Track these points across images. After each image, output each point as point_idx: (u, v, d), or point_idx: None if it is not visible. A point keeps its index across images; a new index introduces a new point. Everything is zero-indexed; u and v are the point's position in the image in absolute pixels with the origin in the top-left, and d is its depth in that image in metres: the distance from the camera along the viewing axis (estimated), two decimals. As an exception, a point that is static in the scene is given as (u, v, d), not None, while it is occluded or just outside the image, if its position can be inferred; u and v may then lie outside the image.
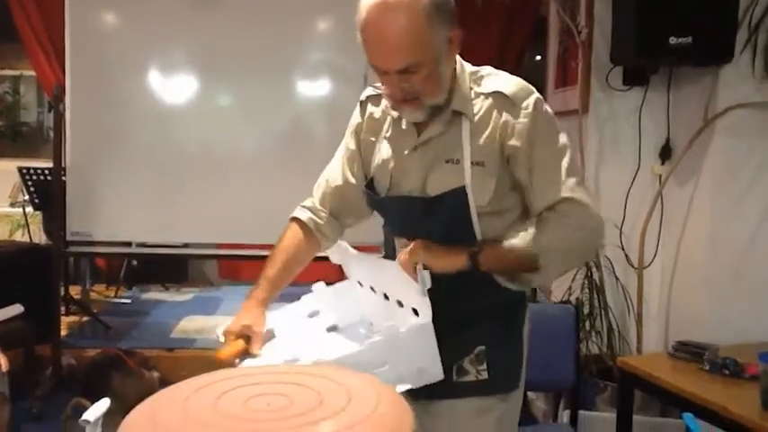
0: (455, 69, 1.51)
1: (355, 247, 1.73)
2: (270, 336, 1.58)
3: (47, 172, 4.65)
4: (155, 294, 6.02)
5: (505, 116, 1.46)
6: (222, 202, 3.93)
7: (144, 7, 3.97)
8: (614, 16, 3.06)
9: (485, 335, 1.54)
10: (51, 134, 6.25)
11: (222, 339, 1.52)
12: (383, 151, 1.61)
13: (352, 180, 1.69)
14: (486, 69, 1.56)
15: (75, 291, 5.27)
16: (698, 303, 2.98)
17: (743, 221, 2.86)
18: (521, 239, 1.44)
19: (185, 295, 5.99)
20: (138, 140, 3.98)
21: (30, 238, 5.57)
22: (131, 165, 3.96)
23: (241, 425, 0.80)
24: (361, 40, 1.42)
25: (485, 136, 1.47)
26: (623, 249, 3.23)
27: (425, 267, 1.42)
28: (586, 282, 3.19)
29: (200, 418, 0.81)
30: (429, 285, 1.41)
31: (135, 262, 6.00)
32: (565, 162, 1.46)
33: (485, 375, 1.53)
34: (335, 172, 1.71)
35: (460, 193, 1.48)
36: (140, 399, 0.89)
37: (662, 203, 3.17)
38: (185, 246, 4.52)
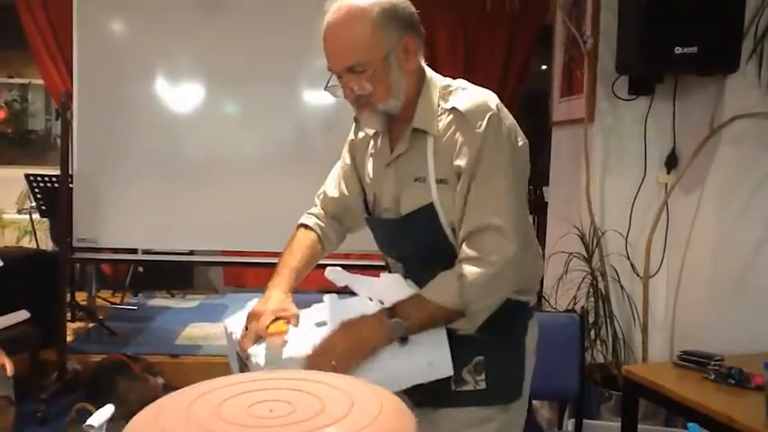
0: (420, 84, 1.52)
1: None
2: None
3: (54, 179, 4.68)
4: (160, 301, 6.04)
5: (459, 134, 1.46)
6: (227, 209, 3.94)
7: (151, 16, 3.99)
8: (620, 25, 3.06)
9: (483, 345, 1.53)
10: (59, 141, 6.30)
11: (231, 326, 1.54)
12: (368, 168, 1.66)
13: (347, 193, 1.74)
14: (458, 83, 1.55)
15: (81, 297, 5.28)
16: (703, 312, 2.97)
17: (748, 230, 2.86)
18: (443, 293, 1.44)
19: (191, 302, 6.01)
20: (144, 148, 4.00)
21: (37, 244, 5.59)
22: (138, 172, 3.98)
23: (243, 431, 0.80)
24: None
25: (445, 153, 1.48)
26: (629, 258, 3.23)
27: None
28: (591, 290, 3.18)
29: (203, 423, 0.81)
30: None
31: (141, 268, 6.02)
32: (501, 186, 1.44)
33: (483, 385, 1.53)
34: (333, 184, 1.77)
35: (429, 211, 1.49)
36: (145, 404, 0.89)
37: (667, 212, 3.17)
38: (191, 253, 4.54)
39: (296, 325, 1.50)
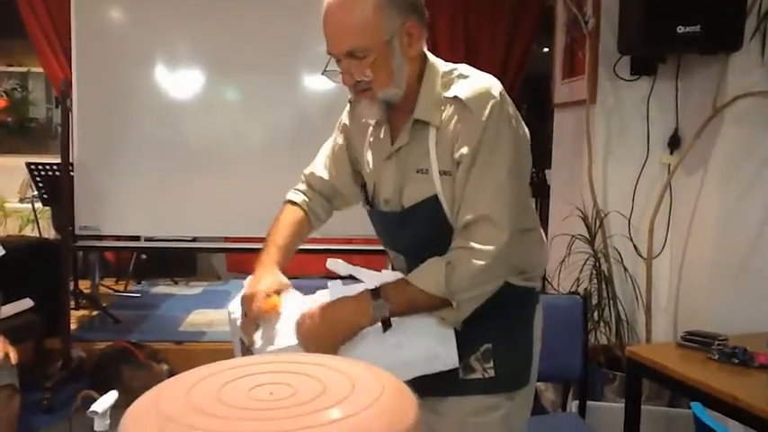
0: (422, 71, 1.48)
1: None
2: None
3: (55, 167, 4.67)
4: (163, 288, 6.05)
5: (461, 123, 1.42)
6: (229, 195, 3.94)
7: (150, 3, 3.97)
8: (621, 5, 3.04)
9: (492, 332, 1.52)
10: (60, 130, 6.29)
11: (236, 311, 1.52)
12: (368, 157, 1.62)
13: (335, 174, 1.71)
14: (460, 69, 1.49)
15: (84, 285, 5.30)
16: (706, 293, 2.97)
17: (751, 210, 2.84)
18: (430, 280, 1.41)
19: (194, 289, 6.02)
20: (145, 135, 3.99)
21: (39, 233, 5.59)
22: (139, 159, 3.97)
23: (244, 414, 0.80)
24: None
25: (447, 144, 1.44)
26: (631, 240, 3.22)
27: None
28: (594, 272, 3.18)
29: (204, 407, 0.81)
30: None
31: (144, 256, 6.03)
32: (498, 176, 1.40)
33: (491, 373, 1.51)
34: (322, 164, 1.74)
35: (432, 203, 1.46)
36: (145, 390, 0.89)
37: (670, 193, 3.16)
38: (193, 239, 4.54)
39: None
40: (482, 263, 1.39)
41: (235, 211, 3.92)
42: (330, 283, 1.62)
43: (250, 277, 1.54)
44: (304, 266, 1.69)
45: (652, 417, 2.78)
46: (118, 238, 4.49)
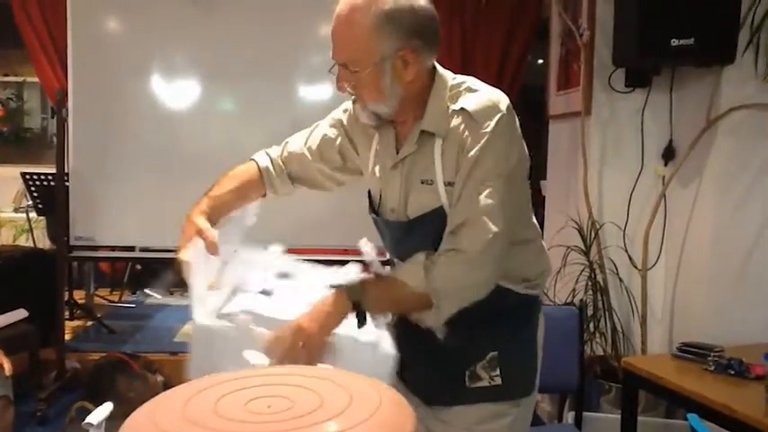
0: (430, 83, 1.48)
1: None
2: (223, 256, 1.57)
3: (50, 177, 4.66)
4: (158, 298, 6.03)
5: (466, 135, 1.41)
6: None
7: (146, 12, 3.97)
8: (616, 18, 3.06)
9: (497, 340, 1.52)
10: (55, 140, 6.27)
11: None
12: (372, 164, 1.61)
13: (309, 157, 1.70)
14: (468, 83, 1.49)
15: (79, 295, 5.27)
16: (702, 304, 2.97)
17: (746, 222, 2.86)
18: (410, 274, 1.41)
19: (189, 299, 5.97)
20: (140, 145, 3.99)
21: (34, 242, 5.58)
22: (134, 169, 3.96)
23: (242, 427, 0.79)
24: None
25: (453, 155, 1.44)
26: (626, 251, 3.23)
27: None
28: (590, 283, 3.18)
29: (201, 420, 0.81)
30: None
31: (138, 266, 6.01)
32: (495, 184, 1.40)
33: (498, 381, 1.51)
34: (300, 141, 1.73)
35: (438, 214, 1.45)
36: (144, 402, 0.89)
37: (665, 205, 3.17)
38: (189, 250, 4.52)
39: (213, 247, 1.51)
40: (464, 265, 1.39)
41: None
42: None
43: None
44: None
45: (648, 428, 2.78)
46: (113, 248, 4.47)
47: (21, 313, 3.65)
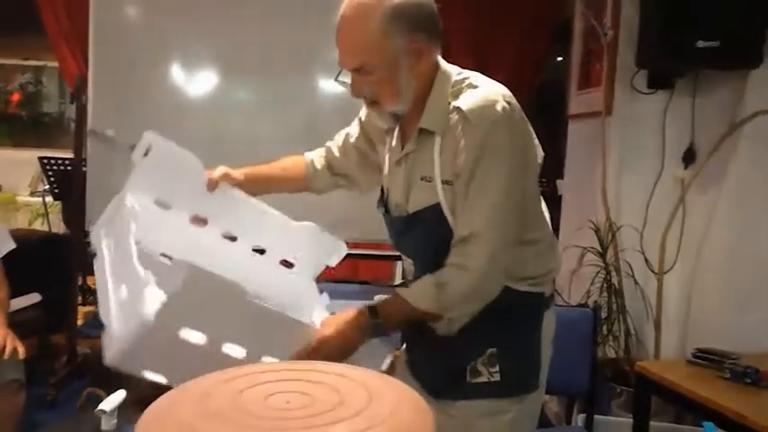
0: (432, 79, 1.48)
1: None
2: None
3: (67, 162, 4.68)
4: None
5: (461, 134, 1.41)
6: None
7: (167, 2, 3.98)
8: (641, 18, 3.03)
9: (497, 336, 1.52)
10: (72, 125, 6.29)
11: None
12: (385, 160, 1.65)
13: (341, 157, 1.80)
14: (471, 78, 1.48)
15: (91, 281, 5.30)
16: (717, 310, 2.95)
17: (766, 229, 2.82)
18: (422, 298, 1.45)
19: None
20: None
21: (49, 227, 5.60)
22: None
23: (262, 423, 0.79)
24: None
25: (450, 154, 1.44)
26: (643, 253, 3.20)
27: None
28: (605, 285, 3.16)
29: (220, 414, 0.80)
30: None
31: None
32: (496, 192, 1.40)
33: (497, 377, 1.52)
34: (340, 141, 1.82)
35: (435, 211, 1.47)
36: (154, 390, 0.88)
37: (684, 208, 3.13)
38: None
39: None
40: (472, 282, 1.42)
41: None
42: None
43: None
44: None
45: (660, 433, 2.76)
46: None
47: (34, 297, 3.67)
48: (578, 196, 3.71)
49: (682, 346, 3.14)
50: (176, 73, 4.01)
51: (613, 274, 3.18)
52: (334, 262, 1.78)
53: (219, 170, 1.73)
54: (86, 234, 3.98)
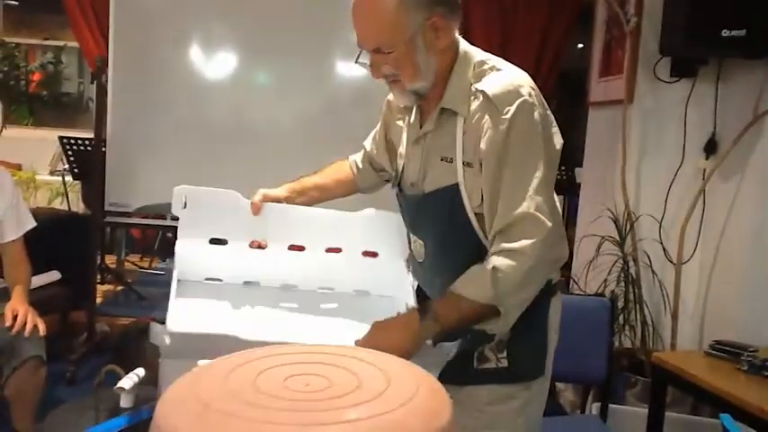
0: (454, 58, 1.47)
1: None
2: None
3: (87, 142, 4.71)
4: (187, 267, 6.08)
5: (486, 119, 1.40)
6: (256, 177, 3.92)
7: (188, -17, 3.99)
8: (665, 6, 2.99)
9: None
10: (91, 105, 6.31)
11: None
12: (403, 139, 1.64)
13: (374, 150, 1.81)
14: (494, 61, 1.47)
15: (110, 260, 5.35)
16: (736, 302, 2.92)
17: (788, 221, 2.79)
18: (476, 287, 1.38)
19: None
20: (177, 115, 4.00)
21: (68, 206, 5.65)
22: (170, 138, 3.99)
23: (281, 404, 0.79)
24: None
25: (473, 136, 1.42)
26: (662, 243, 3.18)
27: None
28: (622, 275, 3.14)
29: (241, 394, 0.81)
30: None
31: (170, 234, 6.06)
32: (533, 176, 1.38)
33: (505, 363, 1.52)
34: (372, 137, 1.83)
35: (452, 192, 1.45)
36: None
37: (704, 199, 3.11)
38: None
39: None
40: (527, 264, 1.37)
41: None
42: None
43: None
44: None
45: (675, 424, 2.75)
46: (146, 215, 4.51)
47: (54, 275, 3.71)
48: (597, 185, 3.68)
49: (698, 338, 3.12)
50: (196, 55, 4.02)
51: (631, 263, 3.16)
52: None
53: (258, 194, 1.77)
54: (105, 214, 4.02)
